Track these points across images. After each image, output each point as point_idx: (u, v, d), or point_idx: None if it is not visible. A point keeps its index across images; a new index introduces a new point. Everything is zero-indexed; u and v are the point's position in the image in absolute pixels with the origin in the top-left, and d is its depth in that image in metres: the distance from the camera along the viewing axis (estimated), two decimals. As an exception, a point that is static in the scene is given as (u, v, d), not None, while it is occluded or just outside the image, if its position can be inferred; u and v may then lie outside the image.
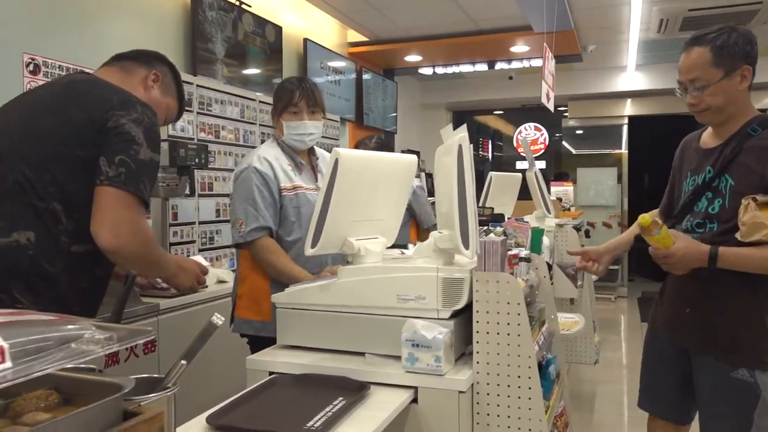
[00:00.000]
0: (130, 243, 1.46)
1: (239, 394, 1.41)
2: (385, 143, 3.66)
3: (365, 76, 6.60)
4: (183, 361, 0.86)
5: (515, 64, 7.08)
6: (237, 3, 4.41)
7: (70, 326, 0.73)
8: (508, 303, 1.52)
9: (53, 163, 1.47)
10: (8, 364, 0.62)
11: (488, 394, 1.52)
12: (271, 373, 1.60)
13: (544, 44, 4.90)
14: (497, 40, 6.30)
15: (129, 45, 1.89)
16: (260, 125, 4.33)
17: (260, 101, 4.33)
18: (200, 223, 3.72)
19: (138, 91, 1.70)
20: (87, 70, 1.92)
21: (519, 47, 6.51)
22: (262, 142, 4.21)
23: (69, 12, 3.11)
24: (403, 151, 7.33)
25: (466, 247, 1.52)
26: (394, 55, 6.87)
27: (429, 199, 6.56)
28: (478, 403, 1.53)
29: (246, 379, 1.63)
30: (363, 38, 6.54)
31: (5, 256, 1.40)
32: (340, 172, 1.63)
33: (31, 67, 2.83)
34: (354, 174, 1.68)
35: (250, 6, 4.56)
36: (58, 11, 3.05)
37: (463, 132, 1.62)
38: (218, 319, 0.92)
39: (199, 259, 1.81)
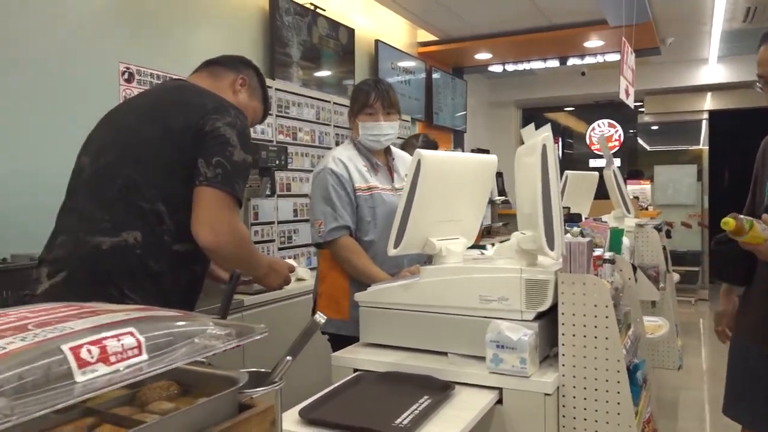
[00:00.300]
0: (229, 242, 1.53)
1: (327, 390, 1.45)
2: (432, 142, 3.65)
3: (435, 76, 6.59)
4: (288, 357, 0.90)
5: (588, 60, 6.90)
6: (312, 7, 4.51)
7: (191, 322, 0.77)
8: (595, 305, 1.49)
9: (156, 167, 1.56)
10: (144, 356, 0.67)
11: (575, 397, 1.50)
12: (355, 370, 1.64)
13: (623, 38, 4.76)
14: (570, 36, 6.16)
15: (213, 51, 1.96)
16: (334, 126, 4.41)
17: (334, 103, 4.41)
18: (279, 222, 3.83)
19: (227, 95, 1.76)
20: (177, 77, 2.01)
21: (592, 42, 6.34)
22: (337, 143, 4.29)
23: (158, 23, 3.28)
24: (473, 150, 7.28)
25: (551, 248, 1.51)
26: (464, 53, 6.83)
27: (498, 198, 6.48)
28: (564, 406, 1.51)
29: (331, 376, 1.68)
30: (433, 38, 6.54)
31: (115, 255, 1.49)
32: (423, 174, 1.65)
33: (126, 76, 3.00)
34: (436, 175, 1.69)
35: (324, 10, 4.65)
36: (150, 22, 3.22)
37: (546, 132, 1.61)
38: (321, 317, 0.96)
39: (292, 262, 1.88)
